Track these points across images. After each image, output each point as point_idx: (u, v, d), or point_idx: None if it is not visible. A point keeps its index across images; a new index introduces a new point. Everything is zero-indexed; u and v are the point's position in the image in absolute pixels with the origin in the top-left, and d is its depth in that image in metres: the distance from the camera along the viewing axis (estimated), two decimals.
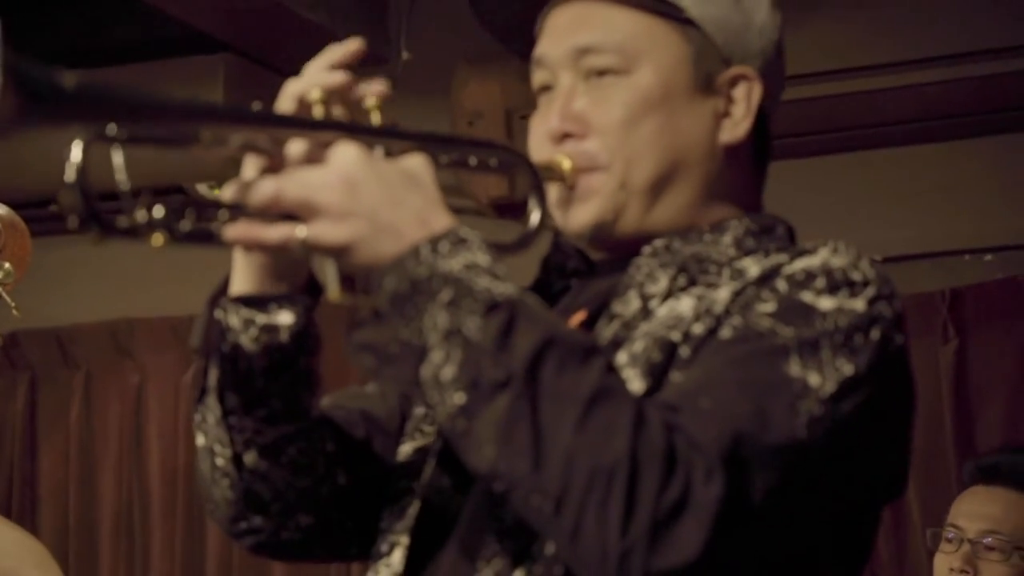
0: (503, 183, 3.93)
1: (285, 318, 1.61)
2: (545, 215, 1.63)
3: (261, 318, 1.61)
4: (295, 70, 1.57)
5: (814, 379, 1.47)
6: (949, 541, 3.06)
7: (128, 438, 4.86)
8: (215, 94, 4.41)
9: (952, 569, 3.05)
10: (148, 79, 4.49)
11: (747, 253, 1.65)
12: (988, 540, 3.04)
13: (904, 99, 4.21)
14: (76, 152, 1.35)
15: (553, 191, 1.69)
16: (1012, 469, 3.07)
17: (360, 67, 1.56)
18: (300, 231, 1.43)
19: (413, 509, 1.65)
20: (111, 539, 4.82)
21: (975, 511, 3.01)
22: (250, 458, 1.66)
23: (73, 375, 4.93)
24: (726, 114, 1.71)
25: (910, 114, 4.27)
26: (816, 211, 4.12)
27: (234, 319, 1.61)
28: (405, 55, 4.57)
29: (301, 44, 4.33)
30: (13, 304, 2.58)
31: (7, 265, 2.61)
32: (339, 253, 1.45)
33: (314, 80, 1.54)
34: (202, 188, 1.55)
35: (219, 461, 1.68)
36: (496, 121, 4.25)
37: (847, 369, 1.48)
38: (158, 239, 1.40)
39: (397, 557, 1.64)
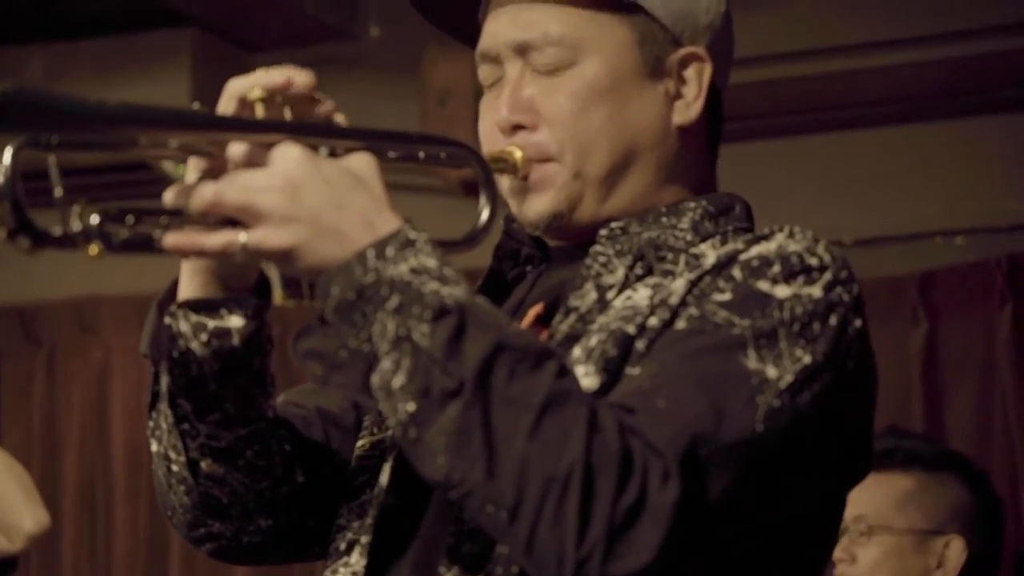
0: None
1: (236, 321, 1.59)
2: (495, 212, 1.60)
3: (211, 323, 1.58)
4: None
5: (772, 371, 1.46)
6: None
7: (92, 416, 4.82)
8: (182, 69, 4.37)
9: (837, 560, 3.11)
10: (113, 53, 4.46)
11: (704, 238, 1.63)
12: (861, 526, 3.11)
13: (876, 80, 4.18)
14: (6, 159, 1.31)
15: (506, 181, 1.67)
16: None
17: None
18: (242, 236, 1.40)
19: (373, 509, 1.63)
20: (74, 517, 4.79)
21: (850, 499, 3.03)
22: (206, 464, 1.64)
23: (36, 352, 4.89)
24: (678, 96, 1.70)
25: (882, 95, 4.25)
26: (787, 192, 4.10)
27: (184, 325, 1.58)
28: (374, 32, 4.53)
29: (270, 19, 4.30)
30: None
31: None
32: (282, 258, 1.42)
33: (255, 79, 1.49)
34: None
35: (174, 467, 1.66)
36: (466, 100, 4.21)
37: (805, 358, 1.47)
38: (94, 249, 1.36)
39: (356, 557, 1.62)
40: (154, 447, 1.67)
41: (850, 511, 3.06)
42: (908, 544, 3.11)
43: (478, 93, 1.73)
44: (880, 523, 3.10)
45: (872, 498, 3.09)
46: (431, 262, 1.41)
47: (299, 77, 1.49)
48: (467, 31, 1.76)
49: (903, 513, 3.12)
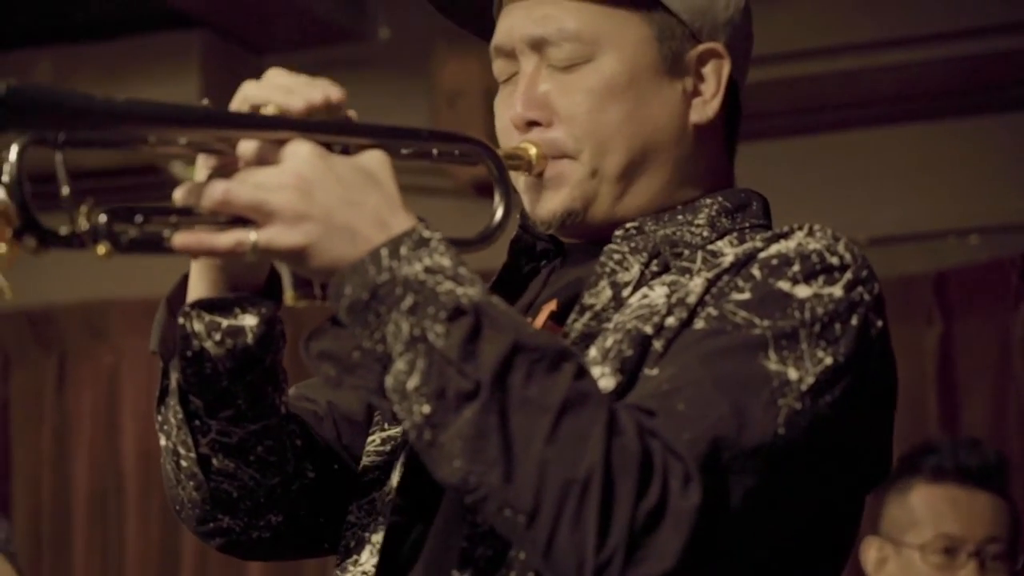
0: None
1: (249, 320, 1.57)
2: (509, 209, 1.58)
3: (225, 322, 1.57)
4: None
5: (793, 373, 1.43)
6: (946, 552, 2.86)
7: (103, 420, 4.82)
8: (190, 72, 4.37)
9: None
10: (121, 56, 4.46)
11: (721, 234, 1.61)
12: (993, 548, 2.89)
13: (888, 79, 4.18)
14: (12, 157, 1.29)
15: (520, 178, 1.65)
16: (983, 470, 2.93)
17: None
18: (252, 235, 1.37)
19: (385, 507, 1.61)
20: (86, 522, 4.79)
21: (970, 518, 2.83)
22: (217, 460, 1.63)
23: (47, 357, 4.89)
24: (696, 93, 1.67)
25: (894, 93, 4.25)
26: (800, 192, 4.09)
27: (197, 324, 1.57)
28: (383, 33, 4.52)
29: (278, 21, 4.29)
30: (6, 284, 2.55)
31: (2, 245, 2.57)
32: (294, 257, 1.39)
33: (271, 94, 1.45)
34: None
35: (184, 463, 1.64)
36: (476, 100, 4.19)
37: (827, 360, 1.45)
38: (102, 248, 1.33)
39: (367, 556, 1.61)
40: (163, 442, 1.66)
41: (975, 531, 2.81)
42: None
43: (488, 94, 1.70)
44: (1020, 549, 2.91)
45: (1001, 520, 2.90)
46: (446, 261, 1.39)
47: (334, 93, 1.46)
48: (481, 25, 1.73)
49: (1020, 538, 2.93)
